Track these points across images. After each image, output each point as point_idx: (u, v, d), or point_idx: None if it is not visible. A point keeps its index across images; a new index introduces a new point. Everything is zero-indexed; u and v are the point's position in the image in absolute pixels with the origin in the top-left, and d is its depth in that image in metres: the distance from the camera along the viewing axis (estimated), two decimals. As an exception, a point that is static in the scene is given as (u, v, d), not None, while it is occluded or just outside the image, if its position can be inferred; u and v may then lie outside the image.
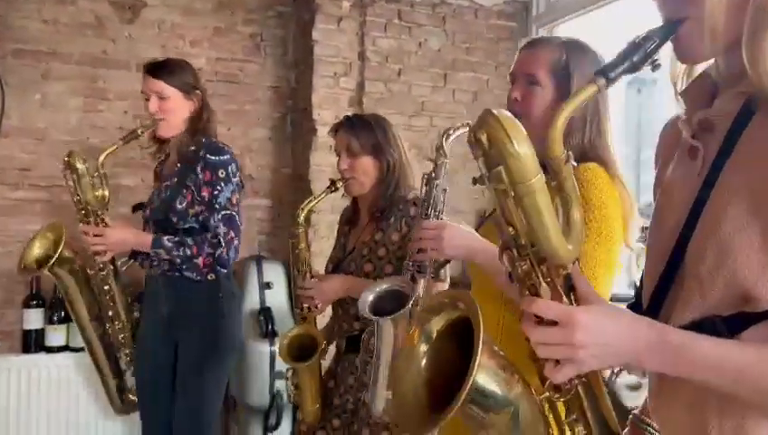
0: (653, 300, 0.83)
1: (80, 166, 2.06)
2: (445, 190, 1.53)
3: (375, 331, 1.60)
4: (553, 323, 0.76)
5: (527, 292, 0.81)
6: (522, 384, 0.87)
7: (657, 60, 0.76)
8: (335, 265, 1.96)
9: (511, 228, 0.78)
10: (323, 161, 2.80)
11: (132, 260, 2.20)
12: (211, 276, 2.07)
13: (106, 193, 2.09)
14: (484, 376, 0.83)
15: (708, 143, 0.80)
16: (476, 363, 0.78)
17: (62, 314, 2.54)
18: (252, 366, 2.61)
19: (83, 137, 2.69)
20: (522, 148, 0.71)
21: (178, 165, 2.11)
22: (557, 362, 0.78)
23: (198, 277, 2.05)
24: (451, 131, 1.53)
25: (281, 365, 2.63)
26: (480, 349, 0.78)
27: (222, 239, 2.02)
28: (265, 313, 2.67)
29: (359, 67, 2.93)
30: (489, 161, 0.73)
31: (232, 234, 2.05)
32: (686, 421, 0.82)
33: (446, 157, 1.53)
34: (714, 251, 0.75)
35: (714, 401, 0.77)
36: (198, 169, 2.03)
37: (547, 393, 0.86)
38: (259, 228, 3.08)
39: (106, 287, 2.16)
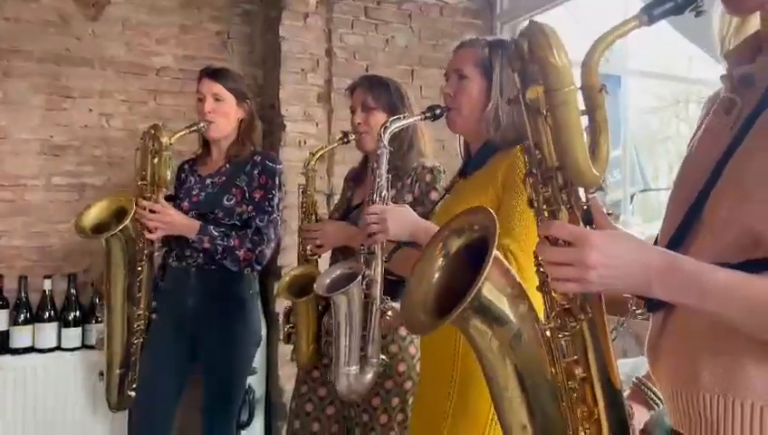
0: (669, 246, 0.85)
1: (164, 140, 2.12)
2: (388, 178, 1.64)
3: (332, 310, 1.67)
4: (568, 246, 0.78)
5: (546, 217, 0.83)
6: (528, 308, 0.90)
7: (701, 5, 0.77)
8: (341, 216, 2.03)
9: (538, 152, 0.81)
10: (293, 157, 2.82)
11: (165, 249, 2.25)
12: (248, 270, 2.17)
13: (170, 174, 2.16)
14: (491, 289, 0.86)
15: (746, 98, 0.82)
16: (484, 274, 0.81)
17: (28, 314, 2.50)
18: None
19: (47, 135, 2.66)
20: (561, 57, 0.74)
21: (227, 165, 2.21)
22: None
23: (236, 268, 2.14)
24: (388, 123, 1.64)
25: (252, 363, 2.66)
26: (490, 262, 0.82)
27: (266, 238, 2.14)
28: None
29: (326, 63, 2.97)
30: (525, 76, 0.77)
31: (275, 237, 2.18)
32: (679, 366, 0.86)
33: (386, 147, 1.64)
34: (732, 198, 0.78)
35: (706, 345, 0.81)
36: (255, 172, 2.17)
37: (552, 324, 0.89)
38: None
39: (139, 269, 2.17)
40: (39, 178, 2.64)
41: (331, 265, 2.05)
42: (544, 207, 0.83)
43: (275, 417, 2.81)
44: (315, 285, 1.68)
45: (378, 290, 1.61)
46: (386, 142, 1.69)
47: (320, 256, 2.06)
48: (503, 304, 0.88)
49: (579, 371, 0.93)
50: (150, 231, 2.09)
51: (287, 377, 2.74)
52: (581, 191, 0.81)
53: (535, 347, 0.92)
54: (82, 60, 2.76)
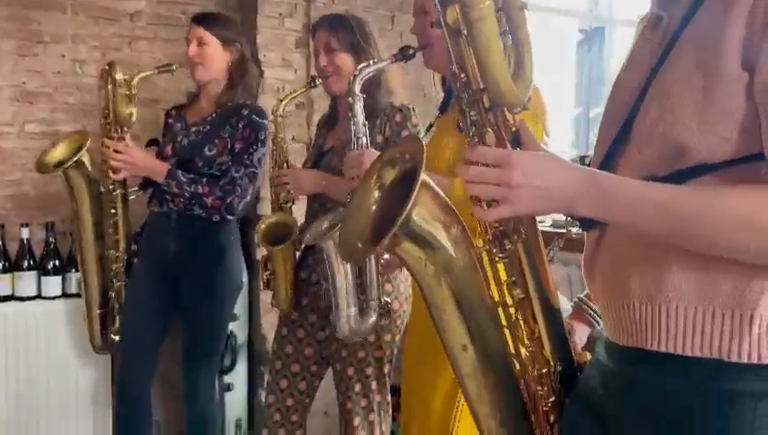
0: (601, 166, 0.88)
1: (118, 76, 2.18)
2: (365, 124, 1.71)
3: (325, 259, 1.70)
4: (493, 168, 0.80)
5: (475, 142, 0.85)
6: (461, 232, 0.93)
7: None
8: (313, 164, 2.06)
9: (463, 75, 0.83)
10: (270, 104, 2.82)
11: (143, 192, 2.28)
12: (216, 218, 2.18)
13: (134, 111, 2.19)
14: (422, 214, 0.89)
15: (672, 12, 0.84)
16: (412, 199, 0.84)
17: (7, 263, 2.54)
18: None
19: (19, 81, 2.65)
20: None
21: (213, 114, 2.23)
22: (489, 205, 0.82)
23: (204, 214, 2.16)
24: (357, 71, 1.68)
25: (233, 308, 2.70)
26: (417, 187, 0.84)
27: (239, 188, 2.15)
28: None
29: (304, 8, 2.94)
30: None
31: (250, 189, 2.19)
32: (612, 279, 0.89)
33: (358, 95, 1.69)
34: (656, 111, 0.81)
35: (636, 256, 0.85)
36: (240, 124, 2.18)
37: (487, 247, 0.93)
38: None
39: (112, 211, 2.22)
40: (12, 126, 2.64)
41: (307, 214, 2.07)
42: (472, 130, 0.84)
43: (258, 363, 2.87)
44: (306, 238, 1.72)
45: None
46: (357, 90, 1.70)
47: (293, 204, 2.08)
48: (434, 229, 0.91)
49: (517, 292, 0.97)
50: (115, 171, 2.11)
51: (270, 325, 2.79)
52: (508, 114, 0.83)
53: (471, 270, 0.95)
54: (54, 4, 2.73)
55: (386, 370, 2.02)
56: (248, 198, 2.20)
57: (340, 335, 1.77)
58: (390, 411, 2.07)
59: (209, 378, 2.35)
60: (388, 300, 1.82)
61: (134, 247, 2.36)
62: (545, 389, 1.03)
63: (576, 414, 0.98)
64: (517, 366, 1.02)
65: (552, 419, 1.03)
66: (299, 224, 2.07)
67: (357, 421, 2.00)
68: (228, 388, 2.76)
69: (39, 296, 2.55)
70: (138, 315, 2.27)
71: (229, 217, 2.20)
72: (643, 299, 0.84)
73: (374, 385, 2.00)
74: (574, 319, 1.12)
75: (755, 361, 0.78)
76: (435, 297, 0.96)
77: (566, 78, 4.07)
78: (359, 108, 1.70)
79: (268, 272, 2.07)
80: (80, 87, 2.74)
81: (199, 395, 2.32)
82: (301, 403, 2.09)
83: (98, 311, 2.32)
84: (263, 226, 2.02)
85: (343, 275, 1.67)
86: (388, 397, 2.06)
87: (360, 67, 1.67)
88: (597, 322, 1.16)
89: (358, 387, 1.99)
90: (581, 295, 1.17)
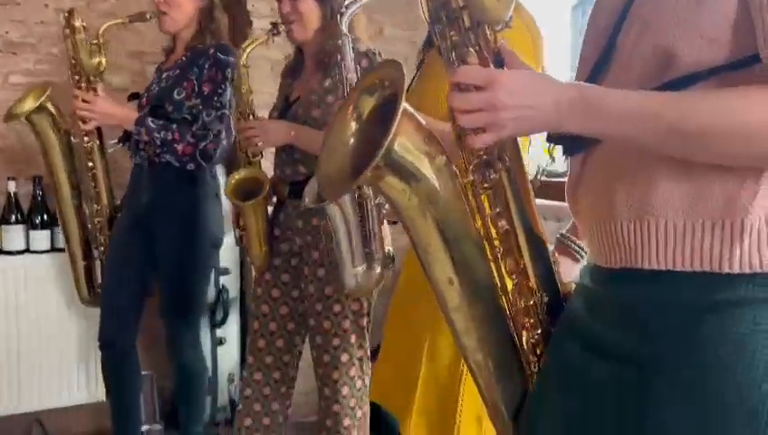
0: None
1: (77, 23, 2.16)
2: (356, 68, 1.69)
3: (328, 220, 1.69)
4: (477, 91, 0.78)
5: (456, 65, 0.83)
6: (445, 162, 0.91)
7: None
8: (279, 115, 2.01)
9: None
10: (260, 54, 2.78)
11: (121, 144, 2.26)
12: (191, 166, 2.15)
13: (103, 61, 2.17)
14: (404, 144, 0.87)
15: None
16: (393, 128, 0.81)
17: (-6, 216, 2.53)
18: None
19: (2, 31, 2.61)
20: None
21: (183, 58, 2.19)
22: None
23: (177, 163, 2.13)
24: (344, 8, 1.64)
25: (225, 262, 2.71)
26: (398, 115, 0.81)
27: (211, 133, 2.11)
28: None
29: (293, -44, 2.87)
30: None
31: (223, 133, 2.14)
32: (597, 201, 0.88)
33: (346, 35, 1.66)
34: (640, 19, 0.79)
35: (622, 175, 0.83)
36: (206, 64, 2.14)
37: (471, 177, 0.91)
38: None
39: (90, 164, 2.21)
40: (-4, 77, 2.60)
41: (276, 168, 2.04)
42: (453, 53, 0.83)
43: (251, 317, 2.88)
44: (304, 200, 1.70)
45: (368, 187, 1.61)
46: (345, 30, 1.66)
47: (262, 157, 2.03)
48: (417, 160, 0.89)
49: (502, 223, 0.96)
50: (84, 121, 2.11)
51: (262, 279, 2.79)
52: (490, 34, 0.81)
53: (455, 202, 0.94)
54: (34, -52, 2.66)
55: (364, 323, 2.00)
56: (223, 142, 2.16)
57: (347, 290, 1.75)
58: (371, 366, 2.05)
59: (190, 333, 2.34)
60: (391, 249, 1.80)
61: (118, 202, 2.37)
62: (532, 321, 1.02)
63: (561, 338, 0.98)
64: (504, 299, 1.02)
65: (539, 351, 1.03)
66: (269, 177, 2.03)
67: (336, 375, 1.97)
68: (220, 342, 2.78)
69: (27, 250, 2.55)
70: (118, 269, 2.27)
71: (205, 165, 2.16)
72: (630, 217, 0.83)
73: (353, 338, 1.98)
74: (557, 254, 1.11)
75: (748, 270, 0.76)
76: (419, 232, 0.94)
77: (561, 41, 4.03)
78: (347, 49, 1.66)
79: (241, 228, 2.04)
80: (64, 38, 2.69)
81: (180, 350, 2.33)
82: (281, 361, 2.07)
83: (82, 263, 2.32)
84: (232, 181, 1.97)
85: (347, 236, 1.65)
86: (368, 352, 2.03)
87: (346, 4, 1.63)
88: (580, 255, 1.16)
89: (336, 341, 1.96)
90: (563, 232, 1.17)
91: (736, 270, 0.77)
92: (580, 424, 0.89)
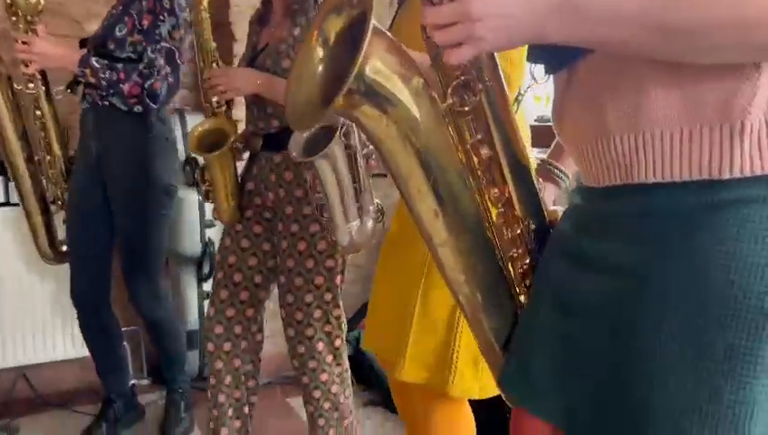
0: None
1: None
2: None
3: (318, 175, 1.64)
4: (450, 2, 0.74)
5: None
6: (423, 85, 0.86)
7: None
8: (248, 64, 1.93)
9: None
10: (244, 3, 2.71)
11: (69, 90, 2.16)
12: (138, 108, 2.07)
13: (41, 0, 2.05)
14: (376, 67, 0.82)
15: None
16: (363, 49, 0.77)
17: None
18: (181, 216, 2.63)
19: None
20: None
21: None
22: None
23: (125, 107, 2.05)
24: None
25: (210, 213, 2.67)
26: (368, 35, 0.77)
27: (156, 71, 2.02)
28: (191, 162, 2.67)
29: None
30: None
31: (168, 69, 2.06)
32: (585, 119, 0.85)
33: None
34: None
35: (610, 89, 0.80)
36: None
37: (450, 100, 0.86)
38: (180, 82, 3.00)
39: (38, 113, 2.13)
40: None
41: (248, 123, 1.98)
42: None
43: (216, 267, 2.85)
44: (291, 153, 1.63)
45: (356, 138, 1.55)
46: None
47: (228, 108, 1.94)
48: (392, 83, 0.84)
49: (484, 150, 0.93)
50: (26, 65, 2.03)
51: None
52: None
53: (436, 128, 0.90)
54: None
55: (338, 281, 1.96)
56: (169, 79, 2.08)
57: (341, 247, 1.72)
58: (346, 325, 2.02)
59: (149, 285, 2.27)
60: (380, 202, 1.77)
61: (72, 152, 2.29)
62: (520, 251, 1.01)
63: (548, 260, 0.96)
64: (490, 230, 1.00)
65: (528, 281, 1.02)
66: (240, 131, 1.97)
67: (311, 332, 1.94)
68: (208, 296, 2.76)
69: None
70: (79, 223, 2.22)
71: (153, 105, 2.08)
72: (623, 131, 0.80)
73: (328, 296, 1.94)
74: (540, 179, 1.09)
75: (749, 173, 0.74)
76: (400, 165, 0.91)
77: None
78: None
79: (207, 183, 1.97)
80: None
81: (141, 304, 2.29)
82: (243, 315, 2.00)
83: (39, 218, 2.25)
84: (195, 133, 1.89)
85: (339, 192, 1.61)
86: (342, 311, 2.00)
87: None
88: (563, 181, 1.14)
89: (309, 298, 1.92)
90: (544, 157, 1.15)
91: (737, 174, 0.74)
92: (574, 342, 0.87)
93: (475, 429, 1.61)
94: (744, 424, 0.73)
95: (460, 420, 1.59)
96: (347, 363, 2.09)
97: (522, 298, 1.03)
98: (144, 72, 2.03)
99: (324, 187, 1.58)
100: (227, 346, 2.00)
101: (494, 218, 0.99)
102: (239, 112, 1.99)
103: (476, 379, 1.50)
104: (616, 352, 0.82)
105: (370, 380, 2.80)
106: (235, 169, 1.94)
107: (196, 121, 2.67)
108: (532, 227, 0.99)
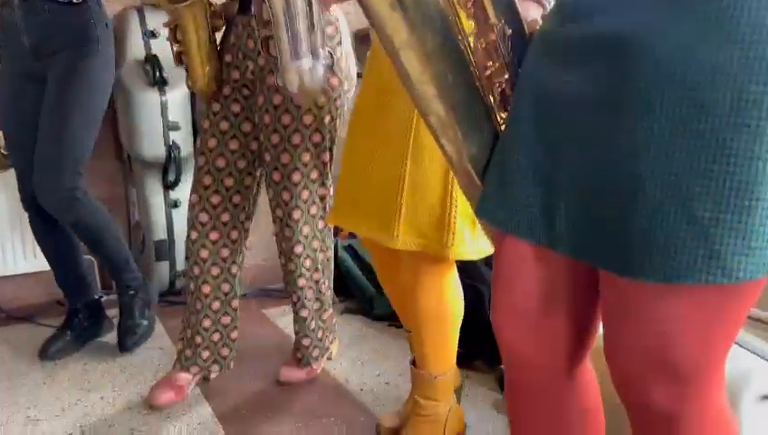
0: None
1: None
2: None
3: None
4: None
5: None
6: None
7: None
8: None
9: None
10: None
11: None
12: None
13: None
14: None
15: None
16: None
17: None
18: (142, 117, 2.51)
19: None
20: None
21: None
22: None
23: None
24: None
25: (174, 116, 2.57)
26: None
27: None
28: (152, 60, 2.53)
29: None
30: None
31: None
32: None
33: None
34: None
35: None
36: None
37: None
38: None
39: None
40: None
41: None
42: None
43: (196, 152, 2.75)
44: None
45: None
46: None
47: None
48: None
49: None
50: None
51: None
52: None
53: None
54: None
55: (326, 158, 1.89)
56: None
57: (290, 92, 1.61)
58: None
59: (60, 185, 2.08)
60: (331, 50, 1.66)
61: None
62: (497, 65, 0.92)
63: (528, 63, 0.89)
64: (461, 35, 0.91)
65: (508, 98, 0.94)
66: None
67: (297, 214, 1.88)
68: (175, 205, 2.67)
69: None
70: (16, 125, 2.10)
71: None
72: None
73: (315, 174, 1.88)
74: None
75: None
76: None
77: None
78: None
79: (178, 44, 1.81)
80: None
81: (67, 205, 2.10)
82: (230, 202, 1.91)
83: None
84: None
85: (288, 20, 1.48)
86: (331, 190, 1.92)
87: None
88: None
89: (297, 177, 1.85)
90: None
91: None
92: (563, 144, 0.81)
93: (462, 292, 1.56)
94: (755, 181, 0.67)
95: (451, 284, 1.53)
96: (331, 251, 2.03)
97: (502, 117, 0.95)
98: None
99: (273, 14, 1.46)
100: (214, 235, 1.91)
101: (463, 21, 0.90)
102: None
103: (474, 239, 1.43)
104: (607, 126, 0.76)
105: (347, 289, 2.76)
106: (211, 28, 1.79)
107: (156, 18, 2.60)
108: (508, 32, 0.91)
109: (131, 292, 2.30)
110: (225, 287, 1.96)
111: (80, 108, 2.03)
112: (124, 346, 2.25)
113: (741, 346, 1.20)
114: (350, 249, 2.85)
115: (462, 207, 1.39)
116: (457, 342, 1.57)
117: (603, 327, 0.87)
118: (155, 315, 2.43)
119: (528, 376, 0.98)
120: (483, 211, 0.94)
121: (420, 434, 1.57)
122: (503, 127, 0.96)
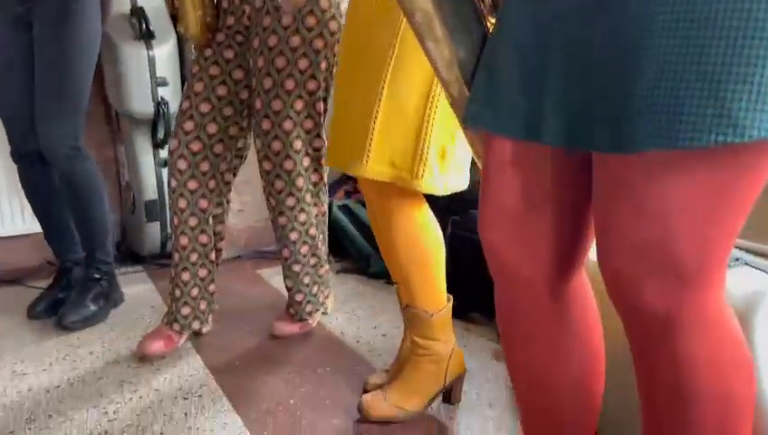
0: None
1: None
2: None
3: None
4: None
5: None
6: None
7: None
8: None
9: None
10: None
11: None
12: None
13: None
14: None
15: None
16: None
17: None
18: (129, 72, 2.45)
19: None
20: None
21: None
22: None
23: None
24: None
25: (162, 71, 2.51)
26: None
27: None
28: (138, 13, 2.47)
29: None
30: None
31: None
32: None
33: None
34: None
35: None
36: None
37: None
38: None
39: None
40: None
41: None
42: None
43: (182, 97, 2.70)
44: None
45: None
46: None
47: None
48: None
49: None
50: None
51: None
52: None
53: None
54: None
55: (320, 108, 1.83)
56: None
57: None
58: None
59: (64, 133, 2.03)
60: None
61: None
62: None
63: None
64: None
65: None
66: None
67: (289, 165, 1.82)
68: (165, 163, 2.62)
69: None
70: (3, 73, 2.04)
71: None
72: None
73: (309, 124, 1.82)
74: None
75: None
76: None
77: None
78: None
79: None
80: None
81: (59, 155, 2.04)
82: (211, 151, 1.84)
83: None
84: None
85: None
86: (325, 143, 1.86)
87: None
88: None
89: (288, 125, 1.79)
90: None
91: None
92: (555, 23, 0.76)
93: (439, 228, 1.51)
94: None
95: (424, 218, 1.48)
96: (326, 207, 1.98)
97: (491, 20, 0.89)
98: None
99: None
100: (192, 184, 1.84)
101: None
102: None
103: (442, 174, 1.39)
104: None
105: (343, 249, 2.71)
106: None
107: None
108: None
109: (96, 275, 2.19)
110: (203, 239, 1.90)
111: (78, 56, 1.98)
112: (63, 322, 2.08)
113: (753, 267, 1.15)
114: (345, 208, 2.80)
115: (435, 141, 1.35)
116: (445, 279, 1.53)
117: (595, 225, 0.82)
118: (110, 309, 2.23)
119: (515, 292, 0.93)
120: (470, 115, 0.89)
121: (422, 372, 1.53)
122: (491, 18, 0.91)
